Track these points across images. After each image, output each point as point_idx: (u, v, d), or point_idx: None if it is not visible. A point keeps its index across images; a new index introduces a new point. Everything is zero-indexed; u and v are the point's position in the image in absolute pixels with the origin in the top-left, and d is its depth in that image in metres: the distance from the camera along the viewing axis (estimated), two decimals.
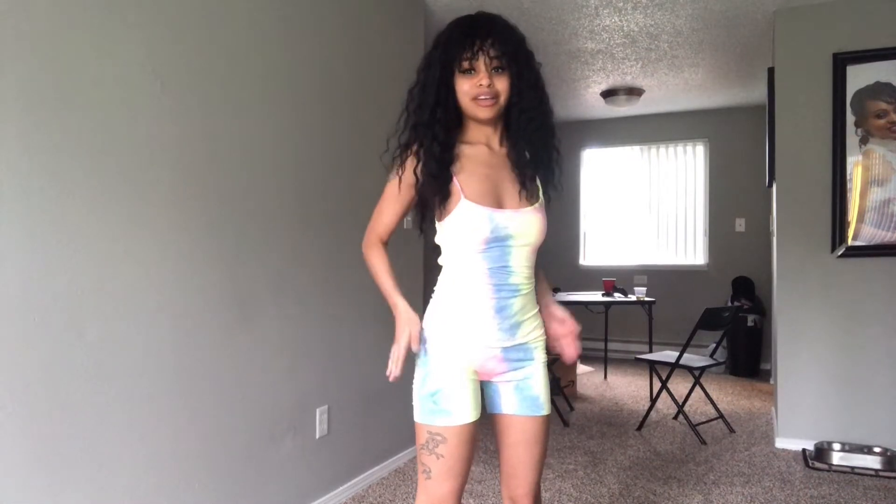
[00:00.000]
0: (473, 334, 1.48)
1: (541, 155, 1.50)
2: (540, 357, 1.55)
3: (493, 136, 1.52)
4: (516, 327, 1.50)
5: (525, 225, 1.47)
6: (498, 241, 1.45)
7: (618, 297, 5.11)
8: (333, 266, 2.79)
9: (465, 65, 1.40)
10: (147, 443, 1.94)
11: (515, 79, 1.43)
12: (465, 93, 1.42)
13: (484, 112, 1.44)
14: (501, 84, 1.42)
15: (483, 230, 1.43)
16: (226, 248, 2.23)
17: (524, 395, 1.52)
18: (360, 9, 3.00)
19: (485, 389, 1.55)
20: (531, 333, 1.53)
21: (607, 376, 5.66)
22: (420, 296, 3.37)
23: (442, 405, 1.45)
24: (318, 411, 2.68)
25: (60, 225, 1.70)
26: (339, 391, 2.82)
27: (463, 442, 1.46)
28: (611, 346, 6.26)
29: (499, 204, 1.46)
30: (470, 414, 1.47)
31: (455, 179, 1.45)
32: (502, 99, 1.44)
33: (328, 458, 2.75)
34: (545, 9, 3.71)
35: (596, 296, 5.16)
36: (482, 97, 1.42)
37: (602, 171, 6.94)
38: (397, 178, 1.49)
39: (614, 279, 5.32)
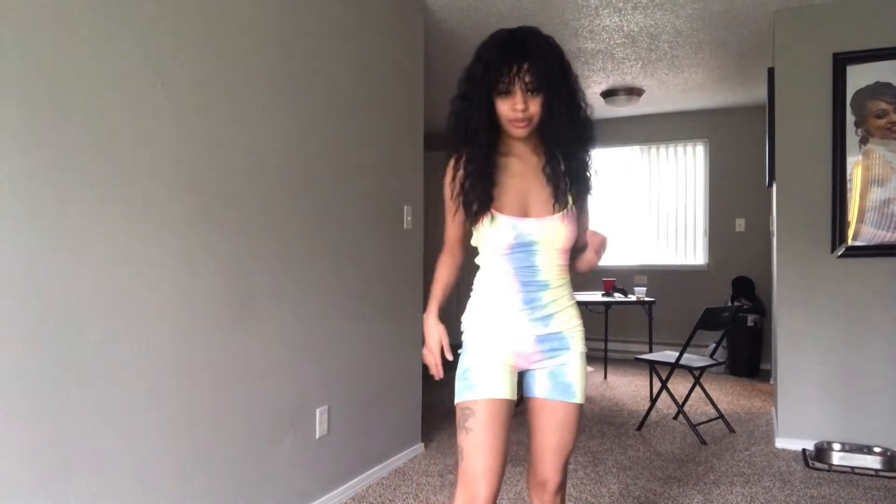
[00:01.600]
0: (506, 326, 1.56)
1: (573, 167, 1.59)
2: (577, 347, 1.62)
3: (525, 148, 1.61)
4: (549, 318, 1.57)
5: (549, 232, 1.56)
6: (522, 247, 1.55)
7: (618, 297, 5.11)
8: (333, 266, 2.79)
9: (503, 87, 1.48)
10: (147, 443, 1.94)
11: (548, 100, 1.49)
12: (503, 114, 1.52)
13: (518, 132, 1.55)
14: (535, 106, 1.50)
15: (507, 237, 1.54)
16: (226, 247, 2.23)
17: (557, 381, 1.59)
18: (359, 8, 3.00)
19: (523, 377, 1.64)
20: (567, 323, 1.61)
21: (607, 376, 5.66)
22: (420, 294, 3.37)
23: (471, 380, 1.54)
24: (318, 411, 2.68)
25: (60, 225, 1.70)
26: (339, 391, 2.82)
27: (490, 415, 1.51)
28: (611, 346, 6.26)
29: (525, 213, 1.56)
30: (498, 390, 1.52)
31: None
32: (536, 119, 1.52)
33: (328, 458, 2.75)
34: (545, 9, 3.71)
35: (596, 296, 5.16)
36: (517, 120, 1.51)
37: (602, 171, 6.92)
38: (450, 190, 1.59)
39: (614, 279, 5.32)
